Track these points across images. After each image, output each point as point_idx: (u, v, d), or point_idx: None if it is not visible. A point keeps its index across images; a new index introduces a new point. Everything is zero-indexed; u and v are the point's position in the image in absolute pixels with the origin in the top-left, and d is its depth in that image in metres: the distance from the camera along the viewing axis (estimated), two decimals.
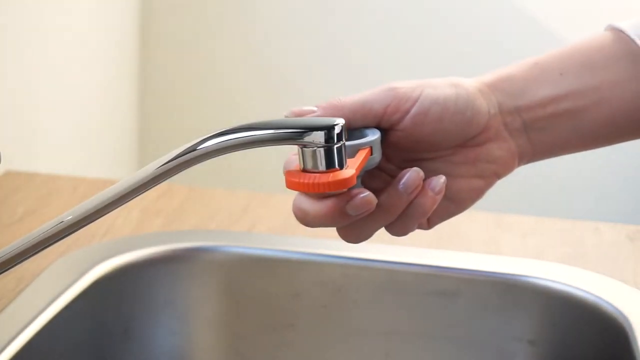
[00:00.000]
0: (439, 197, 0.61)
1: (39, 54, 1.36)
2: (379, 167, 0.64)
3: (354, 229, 0.62)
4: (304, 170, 0.59)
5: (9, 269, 0.63)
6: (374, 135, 0.62)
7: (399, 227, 0.62)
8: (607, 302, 0.88)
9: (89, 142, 1.60)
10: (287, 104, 2.03)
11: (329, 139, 0.57)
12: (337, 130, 0.57)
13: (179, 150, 0.58)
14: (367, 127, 0.63)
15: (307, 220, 0.61)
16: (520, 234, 1.03)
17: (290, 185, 0.59)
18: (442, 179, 0.62)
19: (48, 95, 1.41)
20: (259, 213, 1.07)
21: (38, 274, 0.90)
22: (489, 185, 0.66)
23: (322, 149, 0.57)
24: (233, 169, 1.88)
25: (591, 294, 0.90)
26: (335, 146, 0.57)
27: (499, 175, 0.66)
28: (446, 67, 1.81)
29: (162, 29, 1.87)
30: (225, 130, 0.57)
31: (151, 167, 0.59)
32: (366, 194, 0.59)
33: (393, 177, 0.62)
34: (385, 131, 0.64)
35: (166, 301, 0.96)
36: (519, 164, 0.67)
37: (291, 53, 1.88)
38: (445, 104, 0.63)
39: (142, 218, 1.05)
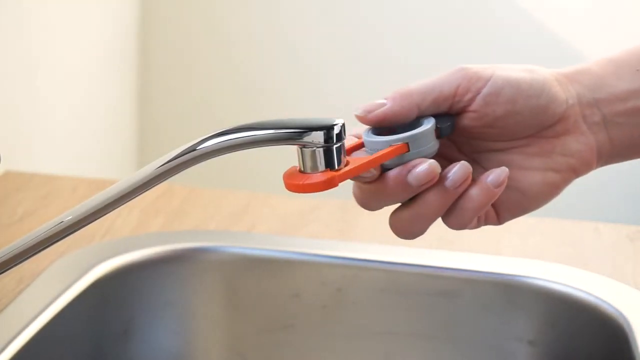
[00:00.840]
0: (499, 191, 0.60)
1: (38, 55, 1.36)
2: (450, 158, 0.63)
3: (407, 222, 0.61)
4: (300, 171, 0.59)
5: (8, 269, 0.63)
6: (415, 129, 0.60)
7: (454, 220, 0.61)
8: (606, 303, 0.88)
9: (88, 143, 1.60)
10: (287, 104, 2.03)
11: (328, 139, 0.57)
12: (336, 130, 0.57)
13: (179, 150, 0.58)
14: (438, 113, 0.61)
15: (369, 200, 0.61)
16: (520, 234, 1.03)
17: (288, 187, 0.59)
18: (504, 171, 0.60)
19: (48, 96, 1.41)
20: (258, 213, 1.07)
21: (38, 274, 0.90)
22: (565, 181, 0.63)
23: (321, 149, 0.57)
24: (233, 169, 1.88)
25: (591, 294, 0.90)
26: (335, 146, 0.57)
27: (576, 172, 0.63)
28: (448, 65, 1.81)
29: (162, 29, 1.87)
30: (225, 130, 0.57)
31: (151, 167, 0.59)
32: (427, 163, 0.58)
33: None
34: (456, 116, 0.62)
35: (166, 301, 0.96)
36: (598, 164, 0.64)
37: (291, 53, 1.88)
38: (519, 85, 0.61)
39: (142, 218, 1.05)
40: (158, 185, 0.60)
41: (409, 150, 0.60)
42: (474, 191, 0.60)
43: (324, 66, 1.88)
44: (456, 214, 0.60)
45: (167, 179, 0.59)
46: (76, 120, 1.54)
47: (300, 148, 0.58)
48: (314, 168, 0.58)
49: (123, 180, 0.60)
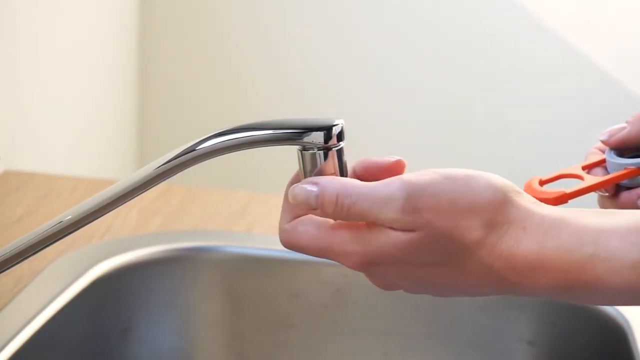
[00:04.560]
0: None
1: (38, 54, 1.36)
2: None
3: None
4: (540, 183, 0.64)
5: (8, 268, 0.63)
6: None
7: None
8: None
9: (88, 143, 1.60)
10: (287, 104, 2.03)
11: (328, 139, 0.57)
12: (335, 130, 0.57)
13: (178, 150, 0.58)
14: None
15: None
16: None
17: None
18: None
19: (47, 96, 1.41)
20: (258, 213, 1.07)
21: (37, 274, 0.90)
22: None
23: (321, 152, 0.57)
24: (232, 169, 1.88)
25: None
26: (335, 148, 0.57)
27: None
28: (447, 66, 1.81)
29: (162, 28, 1.87)
30: (224, 131, 0.57)
31: (150, 167, 0.59)
32: None
33: None
34: None
35: (165, 301, 0.96)
36: None
37: (292, 52, 1.88)
38: None
39: (141, 218, 1.05)
40: (157, 185, 0.60)
41: None
42: None
43: (325, 66, 1.88)
44: None
45: (166, 179, 0.59)
46: (76, 120, 1.54)
47: (301, 151, 0.58)
48: (313, 171, 0.58)
49: (122, 180, 0.60)
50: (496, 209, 0.54)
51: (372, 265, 0.56)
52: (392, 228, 0.54)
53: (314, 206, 0.55)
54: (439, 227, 0.54)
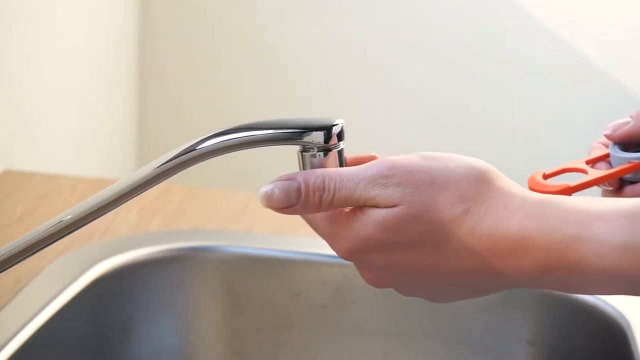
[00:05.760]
0: None
1: (38, 54, 1.36)
2: None
3: None
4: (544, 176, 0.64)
5: (7, 268, 0.63)
6: None
7: None
8: (606, 303, 0.88)
9: (88, 142, 1.60)
10: (287, 103, 2.03)
11: (328, 139, 0.57)
12: (335, 130, 0.57)
13: (178, 150, 0.58)
14: None
15: None
16: None
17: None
18: None
19: (47, 95, 1.41)
20: (258, 213, 1.07)
21: (37, 274, 0.90)
22: None
23: (321, 153, 0.57)
24: (232, 169, 1.88)
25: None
26: (336, 149, 0.57)
27: None
28: (448, 65, 1.81)
29: (162, 28, 1.87)
30: (224, 130, 0.57)
31: (150, 167, 0.59)
32: None
33: None
34: None
35: (165, 300, 0.96)
36: None
37: (291, 52, 1.88)
38: None
39: (141, 218, 1.05)
40: (157, 185, 0.60)
41: None
42: None
43: (325, 67, 1.88)
44: None
45: (166, 178, 0.59)
46: (76, 119, 1.54)
47: (301, 152, 0.58)
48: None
49: (122, 180, 0.60)
50: (475, 186, 0.54)
51: (358, 253, 0.56)
52: (374, 207, 0.55)
53: (294, 201, 0.56)
54: (416, 202, 0.54)
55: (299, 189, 0.56)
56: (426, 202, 0.54)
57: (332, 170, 0.56)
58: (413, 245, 0.55)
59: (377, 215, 0.54)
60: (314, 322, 0.97)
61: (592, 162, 0.68)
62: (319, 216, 0.57)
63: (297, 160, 0.59)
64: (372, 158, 0.59)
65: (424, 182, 0.54)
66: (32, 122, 1.36)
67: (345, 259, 0.57)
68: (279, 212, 0.57)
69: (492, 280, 0.55)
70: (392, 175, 0.54)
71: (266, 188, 0.57)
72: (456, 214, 0.54)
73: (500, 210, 0.54)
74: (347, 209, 0.56)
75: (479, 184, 0.54)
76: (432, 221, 0.54)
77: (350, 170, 0.56)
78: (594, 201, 0.54)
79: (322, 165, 0.57)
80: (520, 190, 0.55)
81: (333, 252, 0.58)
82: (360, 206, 0.55)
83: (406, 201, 0.54)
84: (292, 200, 0.56)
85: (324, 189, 0.55)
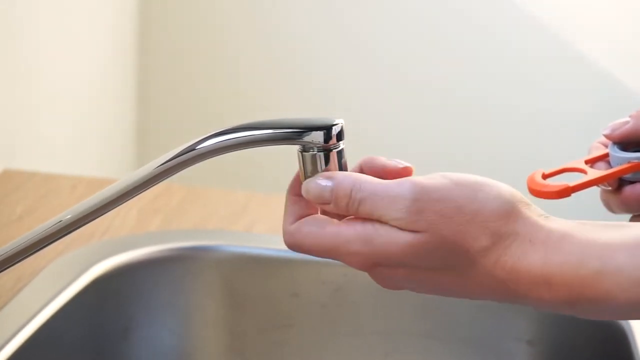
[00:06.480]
0: None
1: (37, 54, 1.36)
2: None
3: None
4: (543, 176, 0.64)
5: (7, 267, 0.63)
6: None
7: None
8: None
9: (88, 142, 1.60)
10: (287, 103, 2.03)
11: (328, 138, 0.57)
12: (335, 130, 0.57)
13: (178, 150, 0.58)
14: None
15: (610, 206, 0.65)
16: None
17: (529, 190, 0.64)
18: None
19: (47, 95, 1.41)
20: (257, 213, 1.07)
21: (37, 273, 0.90)
22: None
23: (322, 154, 0.57)
24: (232, 169, 1.88)
25: None
26: (336, 150, 0.57)
27: None
28: (448, 65, 1.81)
29: (162, 28, 1.87)
30: (224, 130, 0.57)
31: (150, 167, 0.59)
32: None
33: None
34: None
35: (165, 300, 0.96)
36: None
37: (291, 52, 1.88)
38: None
39: (140, 217, 1.05)
40: (157, 185, 0.60)
41: None
42: None
43: (326, 67, 1.88)
44: None
45: (166, 178, 0.59)
46: (75, 119, 1.54)
47: (301, 152, 0.58)
48: (314, 172, 0.58)
49: (122, 180, 0.60)
50: (502, 220, 0.54)
51: (377, 267, 0.56)
52: (396, 228, 0.55)
53: (327, 200, 0.56)
54: (443, 230, 0.54)
55: (331, 191, 0.56)
56: (451, 233, 0.54)
57: (365, 180, 0.56)
58: (435, 269, 0.55)
59: (398, 237, 0.55)
60: (313, 322, 0.97)
61: (592, 162, 0.67)
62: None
63: (297, 161, 0.59)
64: (407, 170, 0.58)
65: (450, 212, 0.54)
66: (32, 122, 1.36)
67: (360, 270, 0.57)
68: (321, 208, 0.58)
69: (514, 301, 0.56)
70: (420, 200, 0.54)
71: (309, 183, 0.57)
72: (482, 246, 0.54)
73: (526, 243, 0.54)
74: (373, 224, 0.56)
75: (506, 218, 0.54)
76: (457, 251, 0.54)
77: (380, 185, 0.55)
78: (615, 230, 0.55)
79: (322, 167, 0.57)
80: (545, 220, 0.55)
81: None
82: (383, 222, 0.55)
83: (432, 230, 0.54)
84: (326, 199, 0.57)
85: (350, 197, 0.56)
